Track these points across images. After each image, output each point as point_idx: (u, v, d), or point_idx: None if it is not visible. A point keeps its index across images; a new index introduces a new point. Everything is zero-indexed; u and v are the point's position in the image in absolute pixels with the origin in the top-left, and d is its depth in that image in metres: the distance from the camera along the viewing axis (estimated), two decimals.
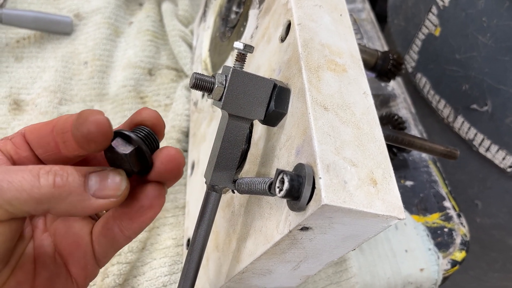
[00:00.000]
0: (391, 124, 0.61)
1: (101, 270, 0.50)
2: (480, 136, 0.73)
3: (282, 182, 0.29)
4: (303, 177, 0.29)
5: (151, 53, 0.71)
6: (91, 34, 0.72)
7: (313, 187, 0.29)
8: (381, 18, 0.98)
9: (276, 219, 0.33)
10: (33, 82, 0.66)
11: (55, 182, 0.27)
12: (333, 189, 0.29)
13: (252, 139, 0.41)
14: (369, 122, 0.34)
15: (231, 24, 0.59)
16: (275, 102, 0.35)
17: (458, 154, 0.50)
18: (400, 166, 0.64)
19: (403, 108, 0.71)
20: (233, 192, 0.36)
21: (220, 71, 0.39)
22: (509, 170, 0.73)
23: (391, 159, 0.60)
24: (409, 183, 0.63)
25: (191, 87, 0.34)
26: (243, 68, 0.35)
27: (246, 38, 0.49)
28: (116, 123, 0.64)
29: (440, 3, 0.71)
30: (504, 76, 0.65)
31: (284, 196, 0.29)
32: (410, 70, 0.83)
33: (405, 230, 0.58)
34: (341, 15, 0.42)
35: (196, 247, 0.35)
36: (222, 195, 0.44)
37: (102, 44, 0.71)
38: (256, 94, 0.35)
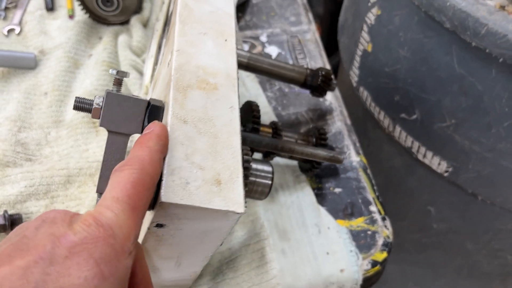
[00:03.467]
0: (315, 136, 0.66)
1: None
2: (416, 144, 0.76)
3: None
4: None
5: (105, 81, 0.78)
6: (53, 67, 0.80)
7: (158, 189, 0.34)
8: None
9: (147, 219, 0.38)
10: None
11: None
12: (173, 189, 0.34)
13: None
14: (229, 132, 0.39)
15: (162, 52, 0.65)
16: (148, 118, 0.40)
17: (342, 159, 0.54)
18: (330, 174, 0.69)
19: (339, 121, 0.75)
20: None
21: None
22: (446, 175, 0.76)
23: (315, 168, 0.64)
24: (337, 190, 0.67)
25: (74, 109, 0.40)
26: (120, 91, 0.41)
27: (158, 64, 0.56)
28: (69, 146, 0.70)
29: (369, 22, 0.76)
30: (424, 86, 0.69)
31: None
32: (354, 84, 0.87)
33: (328, 234, 0.62)
34: (226, 40, 0.48)
35: None
36: None
37: (61, 76, 0.78)
38: (131, 112, 0.40)
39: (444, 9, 0.57)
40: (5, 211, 0.60)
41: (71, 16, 0.88)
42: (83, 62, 0.82)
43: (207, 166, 0.36)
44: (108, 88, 0.41)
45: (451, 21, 0.57)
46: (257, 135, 0.46)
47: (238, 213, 0.35)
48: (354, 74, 0.86)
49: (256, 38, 0.88)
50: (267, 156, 0.65)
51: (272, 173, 0.54)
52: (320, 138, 0.64)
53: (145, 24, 0.90)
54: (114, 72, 0.40)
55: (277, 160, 0.68)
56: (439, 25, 0.60)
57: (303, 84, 0.72)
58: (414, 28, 0.65)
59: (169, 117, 0.38)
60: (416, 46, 0.67)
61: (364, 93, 0.84)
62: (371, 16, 0.75)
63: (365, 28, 0.78)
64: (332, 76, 0.73)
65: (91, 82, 0.78)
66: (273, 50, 0.86)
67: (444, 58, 0.63)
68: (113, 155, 0.41)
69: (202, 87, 0.42)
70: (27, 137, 0.71)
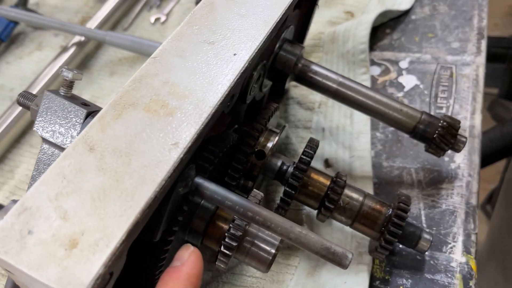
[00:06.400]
0: (391, 207, 0.46)
1: None
2: None
3: None
4: None
5: None
6: None
7: None
8: None
9: None
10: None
11: None
12: (4, 236, 0.25)
13: None
14: (143, 178, 0.28)
15: None
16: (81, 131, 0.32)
17: (346, 264, 0.34)
18: (410, 266, 0.48)
19: (458, 195, 0.52)
20: None
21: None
22: None
23: (384, 249, 0.45)
24: None
25: (17, 103, 0.35)
26: (68, 94, 0.34)
27: None
28: None
29: None
30: None
31: None
32: None
33: None
34: (235, 54, 0.36)
35: None
36: None
37: None
38: (69, 122, 0.33)
39: None
40: None
41: None
42: None
43: (73, 218, 0.26)
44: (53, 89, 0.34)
45: None
46: (242, 199, 0.32)
47: None
48: None
49: (395, 62, 0.70)
50: (319, 214, 0.49)
51: (280, 241, 0.39)
52: (396, 214, 0.45)
53: None
54: (66, 73, 0.33)
55: (342, 225, 0.51)
56: None
57: (412, 133, 0.53)
58: None
59: (77, 137, 0.29)
60: None
61: None
62: None
63: None
64: (460, 131, 0.51)
65: None
66: (409, 81, 0.67)
67: None
68: (44, 168, 0.34)
69: (151, 110, 0.31)
70: None
